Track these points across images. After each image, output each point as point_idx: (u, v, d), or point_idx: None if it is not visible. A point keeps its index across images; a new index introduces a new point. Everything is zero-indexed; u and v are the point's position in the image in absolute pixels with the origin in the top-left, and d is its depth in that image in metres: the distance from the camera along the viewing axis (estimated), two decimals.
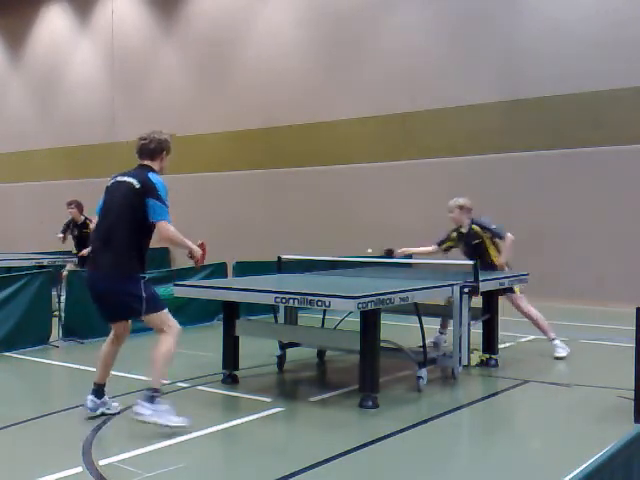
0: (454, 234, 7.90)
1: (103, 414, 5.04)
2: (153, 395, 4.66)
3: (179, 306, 9.23)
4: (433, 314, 6.85)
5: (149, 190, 4.71)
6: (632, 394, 4.98)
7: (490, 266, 7.49)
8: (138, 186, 4.74)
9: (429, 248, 8.05)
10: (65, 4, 20.66)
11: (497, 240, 7.57)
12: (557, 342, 7.51)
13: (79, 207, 11.72)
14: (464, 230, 7.76)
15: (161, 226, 4.72)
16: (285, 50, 16.24)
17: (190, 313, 9.34)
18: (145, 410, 4.61)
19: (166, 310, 4.88)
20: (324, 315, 7.21)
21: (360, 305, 4.98)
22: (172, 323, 4.82)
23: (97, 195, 13.67)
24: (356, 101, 15.13)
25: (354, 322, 5.63)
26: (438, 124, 14.07)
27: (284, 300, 5.30)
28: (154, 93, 18.62)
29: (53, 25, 21.00)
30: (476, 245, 7.61)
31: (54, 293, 8.38)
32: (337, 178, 15.38)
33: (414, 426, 4.95)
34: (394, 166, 14.62)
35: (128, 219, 4.76)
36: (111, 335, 5.06)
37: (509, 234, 7.51)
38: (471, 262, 6.26)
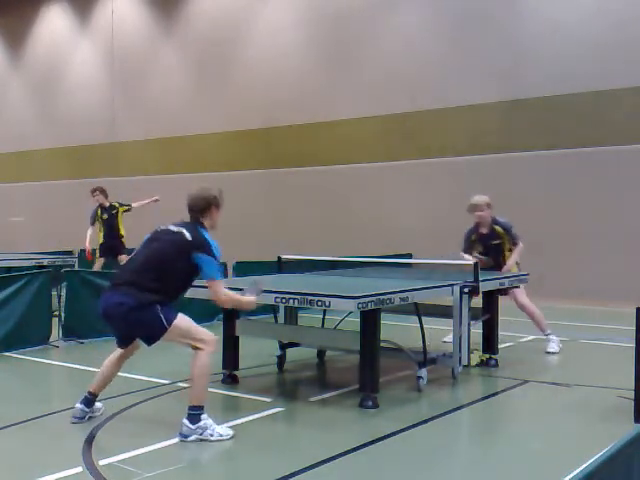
0: (473, 236, 7.76)
1: (89, 418, 4.99)
2: (193, 413, 4.56)
3: (179, 306, 9.24)
4: (433, 314, 6.84)
5: (201, 245, 4.68)
6: (632, 394, 4.98)
7: (501, 268, 7.56)
8: (190, 239, 4.70)
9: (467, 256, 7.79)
10: (65, 4, 20.66)
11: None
12: (552, 337, 7.59)
13: (103, 192, 11.77)
14: (484, 230, 7.66)
15: (214, 288, 4.75)
16: (285, 50, 16.24)
17: (190, 313, 9.28)
18: (187, 430, 4.53)
19: (186, 318, 4.76)
20: (324, 315, 7.21)
21: (360, 305, 4.98)
22: (203, 335, 4.70)
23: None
24: (356, 101, 15.14)
25: (354, 322, 5.63)
26: (438, 124, 14.07)
27: (284, 300, 5.30)
28: (154, 93, 18.62)
29: (53, 25, 21.00)
30: (496, 245, 7.62)
31: (54, 293, 8.38)
32: (337, 178, 15.38)
33: (414, 426, 4.95)
34: (394, 166, 14.62)
35: (169, 266, 4.70)
36: (119, 351, 4.97)
37: (521, 246, 7.57)
38: (471, 262, 6.25)
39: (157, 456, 4.32)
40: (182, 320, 4.73)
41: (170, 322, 4.63)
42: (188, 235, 4.72)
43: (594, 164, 12.34)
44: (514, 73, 13.26)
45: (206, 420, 4.57)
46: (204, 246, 4.68)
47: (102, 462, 4.14)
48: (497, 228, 7.61)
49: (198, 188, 4.98)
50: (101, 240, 11.69)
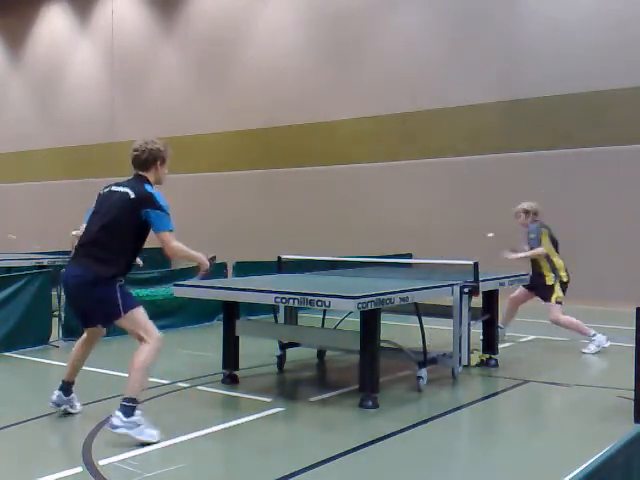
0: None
1: (66, 411, 5.05)
2: (128, 405, 4.43)
3: (179, 306, 9.26)
4: (433, 314, 6.84)
5: (146, 200, 4.59)
6: (632, 394, 4.98)
7: (540, 275, 7.68)
8: (133, 196, 4.62)
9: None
10: (65, 4, 20.66)
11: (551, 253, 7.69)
12: (595, 339, 7.66)
13: None
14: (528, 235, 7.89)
15: (164, 239, 4.60)
16: (285, 50, 16.24)
17: (190, 313, 9.35)
18: (118, 421, 4.40)
19: (143, 311, 4.70)
20: (324, 315, 7.21)
21: (360, 305, 4.98)
22: (151, 329, 4.66)
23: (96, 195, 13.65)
24: (356, 101, 15.13)
25: (354, 322, 5.63)
26: (438, 124, 14.07)
27: (284, 300, 5.30)
28: (154, 93, 18.62)
29: (53, 25, 21.00)
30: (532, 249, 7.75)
31: (54, 293, 8.38)
32: (337, 178, 15.38)
33: (414, 426, 4.95)
34: (394, 166, 14.62)
35: (118, 229, 4.63)
36: (83, 336, 4.99)
37: (540, 249, 7.63)
38: (471, 262, 6.25)
39: (157, 456, 4.32)
40: (139, 311, 4.69)
41: (127, 309, 4.61)
42: (132, 193, 4.64)
43: (594, 164, 12.34)
44: (514, 73, 13.26)
45: (140, 417, 4.45)
46: (150, 200, 4.60)
47: (102, 462, 4.14)
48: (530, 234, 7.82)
49: (142, 141, 4.87)
50: None
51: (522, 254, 7.70)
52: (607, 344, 7.67)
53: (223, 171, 17.23)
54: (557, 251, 7.80)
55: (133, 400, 4.48)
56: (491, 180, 13.33)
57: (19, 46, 21.86)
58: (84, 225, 5.14)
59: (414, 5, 14.54)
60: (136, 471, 4.00)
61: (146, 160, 4.81)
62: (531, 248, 7.67)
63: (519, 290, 8.04)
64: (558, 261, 7.72)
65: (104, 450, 4.35)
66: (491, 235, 8.18)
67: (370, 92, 14.93)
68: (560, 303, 7.66)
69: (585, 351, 7.60)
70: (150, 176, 4.83)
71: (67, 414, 5.10)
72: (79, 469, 4.03)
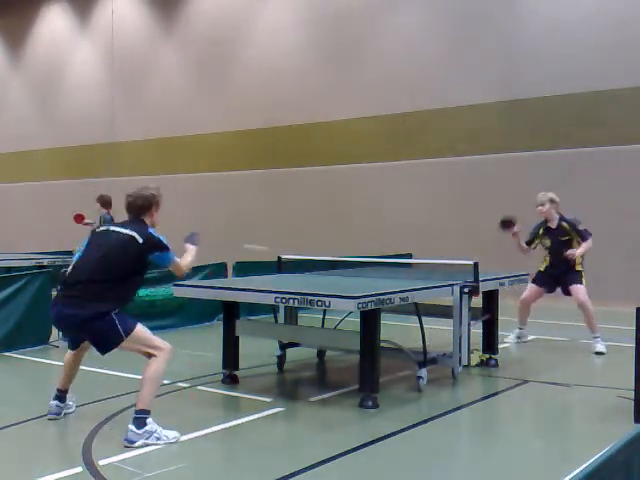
0: (541, 230, 7.98)
1: (65, 414, 5.10)
2: (140, 417, 4.50)
3: (179, 306, 9.25)
4: (433, 314, 6.84)
5: (155, 245, 4.77)
6: (632, 394, 4.98)
7: (565, 264, 7.72)
8: (141, 241, 4.71)
9: (524, 246, 8.09)
10: (65, 4, 20.66)
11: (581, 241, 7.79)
12: (599, 339, 7.68)
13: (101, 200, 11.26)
14: (552, 225, 7.88)
15: (174, 268, 4.98)
16: (285, 50, 16.24)
17: (190, 313, 9.35)
18: (133, 436, 4.46)
19: (143, 328, 4.70)
20: (324, 315, 7.21)
21: (360, 305, 4.97)
22: (158, 343, 4.67)
23: (97, 195, 13.65)
24: (356, 101, 15.13)
25: (354, 322, 5.63)
26: (438, 124, 14.07)
27: (284, 300, 5.29)
28: (154, 93, 18.62)
29: (53, 25, 21.00)
30: (565, 242, 7.81)
31: (54, 293, 8.36)
32: (337, 178, 15.38)
33: (414, 426, 4.95)
34: (394, 166, 14.62)
35: (120, 268, 4.67)
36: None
37: (590, 241, 7.76)
38: (471, 262, 6.25)
39: (157, 456, 4.32)
40: (139, 329, 4.70)
41: (127, 332, 4.63)
42: (139, 238, 4.72)
43: (594, 164, 12.34)
44: (514, 73, 13.26)
45: (152, 424, 4.51)
46: (159, 245, 4.78)
47: (102, 462, 4.14)
48: (564, 225, 7.84)
49: (136, 188, 5.07)
50: None
51: (583, 249, 7.74)
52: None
53: (223, 171, 17.22)
54: None
55: (145, 412, 4.53)
56: (491, 180, 13.33)
57: (19, 46, 21.86)
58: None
59: (414, 5, 14.54)
60: (136, 471, 4.00)
61: (142, 206, 4.95)
62: (584, 240, 7.74)
63: (529, 290, 8.00)
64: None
65: (104, 450, 4.35)
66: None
67: (370, 92, 14.93)
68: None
69: (599, 350, 7.61)
70: (146, 220, 4.95)
71: (66, 414, 5.12)
72: (79, 469, 4.03)
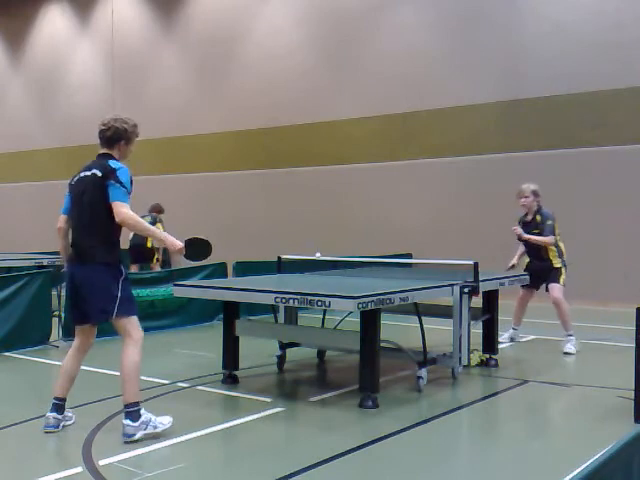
0: (520, 223, 7.85)
1: (63, 426, 4.81)
2: (133, 410, 4.51)
3: (179, 306, 9.26)
4: (433, 314, 6.84)
5: (109, 174, 4.58)
6: (632, 394, 4.98)
7: (545, 261, 7.61)
8: (100, 174, 4.61)
9: (520, 250, 8.00)
10: (65, 4, 20.66)
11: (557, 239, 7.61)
12: (572, 339, 7.60)
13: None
14: (529, 218, 7.76)
15: (115, 207, 4.51)
16: (285, 50, 16.24)
17: (190, 313, 9.36)
18: (132, 429, 4.48)
19: (136, 317, 4.69)
20: (324, 315, 7.21)
21: (360, 305, 4.97)
22: (136, 333, 4.63)
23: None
24: (356, 101, 15.14)
25: (354, 322, 5.63)
26: (438, 124, 14.07)
27: (284, 300, 5.29)
28: (154, 93, 18.62)
29: (53, 25, 21.00)
30: (536, 235, 7.62)
31: (54, 293, 8.38)
32: (337, 178, 15.38)
33: (414, 426, 4.95)
34: (394, 166, 14.62)
35: (97, 209, 4.60)
36: (74, 345, 4.86)
37: (549, 239, 7.53)
38: (471, 262, 6.24)
39: (157, 456, 4.32)
40: (133, 318, 4.66)
41: (121, 314, 4.56)
42: (98, 172, 4.64)
43: (594, 164, 12.34)
44: (514, 73, 13.26)
45: (146, 414, 4.54)
46: (111, 174, 4.58)
47: (102, 462, 4.13)
48: (537, 217, 7.68)
49: (111, 117, 4.87)
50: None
51: (533, 237, 7.57)
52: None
53: (223, 171, 17.23)
54: None
55: (135, 404, 4.52)
56: (491, 180, 13.33)
57: (19, 46, 21.86)
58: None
59: (414, 5, 14.54)
60: (136, 471, 4.00)
61: (110, 138, 4.82)
62: (543, 234, 7.56)
63: (521, 288, 7.95)
64: (563, 247, 7.74)
65: (104, 450, 4.35)
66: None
67: (370, 92, 14.93)
68: (564, 286, 7.66)
69: (567, 351, 7.54)
70: (114, 153, 4.81)
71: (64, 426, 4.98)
72: (79, 469, 4.03)
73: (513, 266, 7.83)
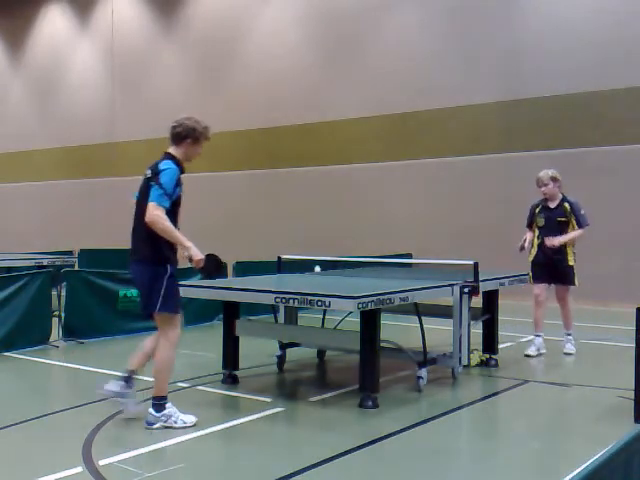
0: (538, 209, 7.59)
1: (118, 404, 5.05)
2: (159, 403, 4.76)
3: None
4: (433, 314, 6.84)
5: (155, 175, 4.73)
6: (632, 394, 4.98)
7: (561, 255, 7.40)
8: (150, 175, 4.79)
9: (528, 234, 7.65)
10: (65, 4, 20.66)
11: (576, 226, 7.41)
12: (571, 338, 7.55)
13: None
14: (552, 205, 7.50)
15: (148, 208, 4.61)
16: (285, 50, 16.24)
17: (190, 313, 9.34)
18: (153, 419, 4.74)
19: (178, 316, 4.90)
20: (324, 315, 7.21)
21: (360, 305, 4.97)
22: (173, 332, 4.81)
23: (97, 195, 13.77)
24: (356, 101, 15.14)
25: (354, 322, 5.63)
26: (438, 124, 14.07)
27: (284, 300, 5.30)
28: (154, 93, 18.62)
29: (53, 25, 21.01)
30: (560, 223, 7.42)
31: (54, 293, 8.38)
32: (337, 178, 15.38)
33: (414, 426, 4.95)
34: (394, 166, 14.62)
35: (143, 208, 4.73)
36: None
37: (583, 230, 7.35)
38: (471, 262, 6.24)
39: (157, 456, 4.32)
40: (174, 316, 4.83)
41: (162, 310, 4.73)
42: (149, 172, 4.81)
43: (594, 164, 12.34)
44: (514, 73, 13.26)
45: (170, 408, 4.77)
46: (156, 175, 4.72)
47: (102, 462, 4.13)
48: (566, 205, 7.45)
49: (185, 116, 4.98)
50: None
51: (569, 236, 7.33)
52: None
53: (223, 171, 17.22)
54: None
55: (162, 397, 4.78)
56: (491, 180, 13.33)
57: (19, 46, 21.86)
58: None
59: (415, 5, 14.54)
60: (136, 471, 4.00)
61: (178, 134, 4.95)
62: (580, 226, 7.34)
63: (536, 288, 7.54)
64: None
65: (104, 450, 4.35)
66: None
67: (370, 92, 14.93)
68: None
69: (568, 351, 7.50)
70: (178, 151, 4.95)
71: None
72: (79, 469, 4.03)
73: (523, 247, 7.58)
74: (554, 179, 7.47)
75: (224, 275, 5.20)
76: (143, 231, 4.73)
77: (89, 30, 20.19)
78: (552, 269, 7.47)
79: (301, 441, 4.81)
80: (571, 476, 3.28)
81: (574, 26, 12.64)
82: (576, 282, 7.50)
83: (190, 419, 4.82)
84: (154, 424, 4.73)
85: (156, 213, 4.59)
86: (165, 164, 4.80)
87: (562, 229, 7.39)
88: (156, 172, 4.75)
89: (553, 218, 7.44)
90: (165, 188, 4.65)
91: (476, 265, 6.21)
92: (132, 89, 19.11)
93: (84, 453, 4.30)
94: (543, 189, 7.48)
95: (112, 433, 4.75)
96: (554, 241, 7.26)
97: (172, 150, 4.97)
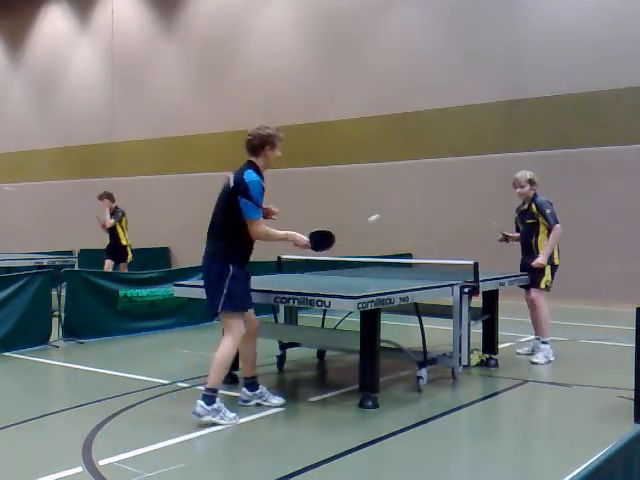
0: (516, 213, 7.43)
1: (258, 405, 5.33)
2: (209, 395, 4.84)
3: (179, 306, 9.26)
4: (433, 314, 6.84)
5: (241, 190, 4.95)
6: (632, 394, 4.98)
7: (533, 256, 7.05)
8: (232, 185, 4.97)
9: (516, 234, 7.48)
10: (65, 4, 20.66)
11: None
12: (546, 347, 7.13)
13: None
14: (525, 207, 7.24)
15: (250, 225, 5.03)
16: (285, 50, 16.25)
17: (190, 313, 9.35)
18: (202, 411, 4.80)
19: (242, 314, 5.02)
20: (324, 315, 7.21)
21: (360, 305, 4.97)
22: (236, 330, 4.96)
23: (97, 195, 13.75)
24: (356, 101, 15.14)
25: (354, 322, 5.63)
26: (438, 124, 14.07)
27: (284, 300, 5.30)
28: (154, 93, 18.62)
29: (53, 25, 21.00)
30: (530, 225, 7.14)
31: (54, 293, 8.38)
32: (337, 178, 15.38)
33: (414, 426, 4.95)
34: (394, 166, 14.62)
35: (222, 216, 5.04)
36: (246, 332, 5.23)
37: (558, 225, 6.93)
38: (471, 262, 6.24)
39: (157, 456, 4.31)
40: (239, 314, 4.97)
41: (226, 310, 4.90)
42: (232, 181, 5.02)
43: (594, 164, 12.34)
44: (514, 73, 13.26)
45: (219, 403, 4.87)
46: (244, 189, 4.95)
47: (102, 462, 4.13)
48: (533, 207, 7.11)
49: (256, 126, 5.29)
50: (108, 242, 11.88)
51: (545, 252, 6.95)
52: (552, 358, 7.13)
53: (223, 171, 17.19)
54: None
55: (214, 390, 4.87)
56: (491, 180, 13.32)
57: (19, 46, 21.86)
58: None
59: (414, 5, 14.55)
60: (136, 471, 4.00)
61: (256, 146, 5.20)
62: (549, 224, 6.98)
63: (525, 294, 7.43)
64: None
65: (104, 450, 4.35)
66: (496, 224, 7.62)
67: (370, 92, 14.93)
68: (548, 289, 7.08)
69: (535, 361, 7.05)
70: (259, 161, 5.20)
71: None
72: (79, 469, 4.03)
73: (507, 238, 7.39)
74: (531, 182, 7.19)
75: (333, 241, 5.48)
76: (214, 232, 5.05)
77: (89, 30, 20.18)
78: (524, 266, 7.26)
79: (301, 441, 4.81)
80: (571, 476, 3.28)
81: (574, 26, 12.65)
82: (542, 284, 7.05)
83: (232, 415, 4.88)
84: (202, 417, 4.79)
85: (260, 230, 5.10)
86: (249, 175, 5.04)
87: (532, 231, 7.15)
88: (241, 186, 4.96)
89: (524, 221, 7.27)
90: (255, 201, 5.01)
91: (476, 265, 6.21)
92: (132, 89, 19.11)
93: (84, 453, 4.30)
94: (518, 190, 7.24)
95: (112, 433, 4.75)
96: (540, 261, 6.97)
97: (253, 159, 5.19)
